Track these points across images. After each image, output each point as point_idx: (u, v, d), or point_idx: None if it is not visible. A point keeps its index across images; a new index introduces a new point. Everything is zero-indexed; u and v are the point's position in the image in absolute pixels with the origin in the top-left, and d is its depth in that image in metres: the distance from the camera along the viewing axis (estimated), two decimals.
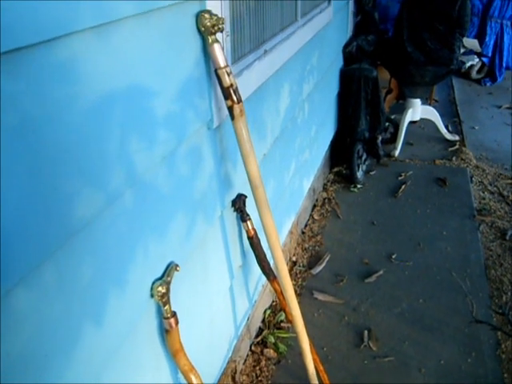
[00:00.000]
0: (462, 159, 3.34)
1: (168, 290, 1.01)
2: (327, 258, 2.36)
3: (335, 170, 3.22)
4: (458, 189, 2.96)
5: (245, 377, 1.75)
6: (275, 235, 1.21)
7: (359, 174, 3.05)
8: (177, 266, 1.05)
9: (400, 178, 3.11)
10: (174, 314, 1.03)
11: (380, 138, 3.26)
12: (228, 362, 1.60)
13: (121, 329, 0.89)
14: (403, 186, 2.99)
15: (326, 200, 2.90)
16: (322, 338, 1.89)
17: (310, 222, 2.68)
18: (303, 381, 1.57)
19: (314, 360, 1.52)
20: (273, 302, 2.10)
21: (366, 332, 1.90)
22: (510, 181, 3.06)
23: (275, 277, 1.50)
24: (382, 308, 2.04)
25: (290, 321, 1.60)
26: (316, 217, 2.73)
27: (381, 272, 2.25)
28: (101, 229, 0.79)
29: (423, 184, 3.03)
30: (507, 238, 2.47)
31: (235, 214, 1.42)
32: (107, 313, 0.84)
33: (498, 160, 3.34)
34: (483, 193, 2.93)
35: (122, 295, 0.88)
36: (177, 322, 1.03)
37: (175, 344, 1.06)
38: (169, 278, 1.02)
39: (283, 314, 1.99)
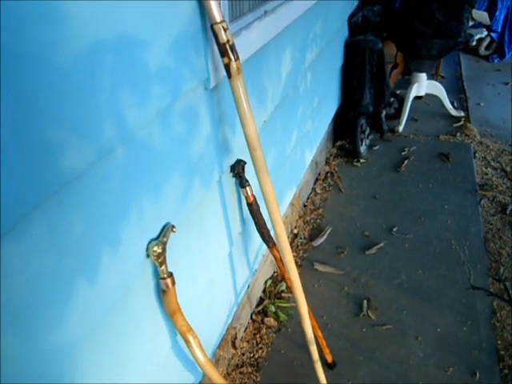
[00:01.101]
0: (466, 135, 3.29)
1: (164, 250, 1.00)
2: (328, 231, 2.36)
3: (338, 144, 3.19)
4: (461, 164, 2.93)
5: (245, 343, 1.77)
6: (273, 198, 1.20)
7: (362, 149, 3.02)
8: (173, 226, 1.04)
9: (403, 153, 3.08)
10: (170, 275, 1.02)
11: (384, 112, 3.21)
12: (228, 329, 1.62)
13: (116, 287, 0.89)
14: (406, 161, 2.96)
15: (329, 174, 2.88)
16: (321, 307, 1.90)
17: (312, 196, 2.67)
18: (303, 348, 1.58)
19: (313, 326, 1.53)
20: (274, 272, 2.11)
21: (365, 302, 1.92)
22: None
23: (274, 244, 1.50)
24: (382, 279, 2.04)
25: (289, 288, 1.60)
26: (318, 190, 2.72)
27: (381, 244, 2.25)
28: (92, 183, 0.77)
29: (426, 159, 3.00)
30: (507, 212, 2.46)
31: (234, 179, 1.40)
32: (100, 270, 0.83)
33: (503, 136, 3.29)
34: (486, 168, 2.90)
35: (116, 253, 0.87)
36: (173, 283, 1.03)
37: (172, 305, 1.06)
38: (165, 239, 1.01)
39: (284, 285, 2.00)
